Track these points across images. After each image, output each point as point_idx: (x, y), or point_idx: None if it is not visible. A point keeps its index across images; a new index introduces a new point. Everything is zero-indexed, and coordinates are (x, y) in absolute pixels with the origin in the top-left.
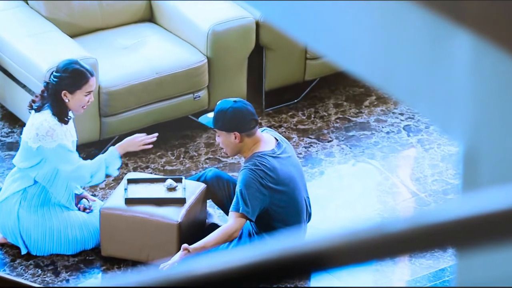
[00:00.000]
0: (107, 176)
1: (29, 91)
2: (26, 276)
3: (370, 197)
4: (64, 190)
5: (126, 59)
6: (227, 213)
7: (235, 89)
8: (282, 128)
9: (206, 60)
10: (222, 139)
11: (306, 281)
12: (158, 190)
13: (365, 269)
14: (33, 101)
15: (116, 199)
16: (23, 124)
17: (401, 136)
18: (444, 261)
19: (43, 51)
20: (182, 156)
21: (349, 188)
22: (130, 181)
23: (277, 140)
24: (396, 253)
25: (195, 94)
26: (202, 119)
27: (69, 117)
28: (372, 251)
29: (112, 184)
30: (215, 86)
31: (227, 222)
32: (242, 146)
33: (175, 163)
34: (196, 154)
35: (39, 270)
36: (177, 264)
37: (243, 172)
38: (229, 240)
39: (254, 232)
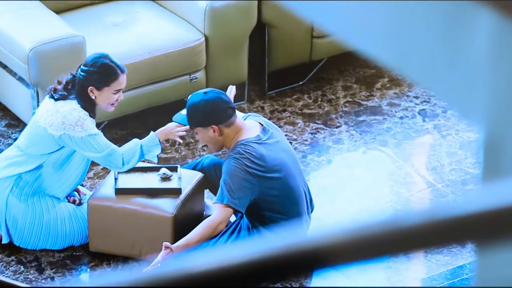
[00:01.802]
0: (146, 161)
1: (10, 72)
2: (7, 274)
3: (382, 188)
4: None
5: (116, 37)
6: None
7: (235, 70)
8: (286, 112)
9: (203, 39)
10: (201, 135)
11: (312, 279)
12: (151, 180)
13: (376, 266)
14: (55, 90)
15: (105, 189)
16: (3, 108)
17: (416, 121)
18: (462, 257)
19: (26, 29)
20: (177, 143)
21: (359, 178)
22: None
23: (262, 125)
24: (410, 248)
25: (191, 76)
26: (177, 118)
27: (95, 114)
28: (384, 247)
29: (101, 173)
30: (213, 67)
31: (212, 214)
32: (223, 139)
33: (169, 151)
34: (193, 141)
35: (22, 266)
36: (160, 265)
37: (227, 162)
38: (215, 234)
39: (252, 227)
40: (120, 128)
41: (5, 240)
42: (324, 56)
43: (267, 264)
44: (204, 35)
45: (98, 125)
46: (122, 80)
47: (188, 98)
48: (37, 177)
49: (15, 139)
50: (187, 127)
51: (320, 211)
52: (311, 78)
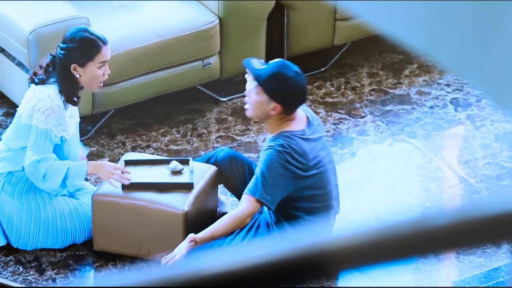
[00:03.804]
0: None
1: (8, 56)
2: (5, 274)
3: (410, 183)
4: (59, 182)
5: (124, 19)
6: None
7: (251, 56)
8: (307, 101)
9: (217, 21)
10: (257, 99)
11: (334, 281)
12: (160, 174)
13: (404, 267)
14: (35, 74)
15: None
16: (0, 95)
17: (447, 111)
18: (497, 259)
19: (25, 10)
20: (189, 133)
21: (385, 172)
22: (128, 162)
23: (307, 117)
24: (440, 249)
25: (204, 61)
26: (247, 63)
27: (79, 97)
28: (412, 247)
29: None
30: (228, 51)
31: (239, 203)
32: (273, 119)
33: (181, 142)
34: (206, 132)
35: (21, 267)
36: (184, 258)
37: (269, 153)
38: (240, 227)
39: (273, 223)
40: (127, 118)
41: (2, 243)
42: (348, 40)
43: (286, 265)
44: (218, 17)
45: (102, 115)
46: (106, 52)
47: (277, 61)
48: None
49: None
50: (126, 174)
51: (343, 207)
52: (334, 64)
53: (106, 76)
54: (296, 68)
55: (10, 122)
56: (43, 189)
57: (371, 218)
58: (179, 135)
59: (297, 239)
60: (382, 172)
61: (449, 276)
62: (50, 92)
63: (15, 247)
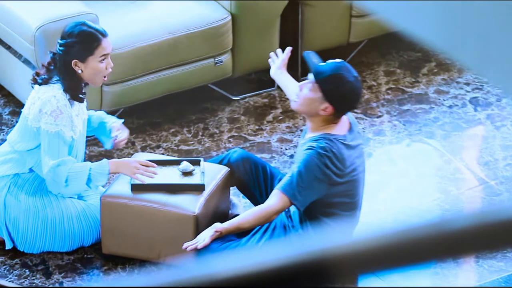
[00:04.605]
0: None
1: (14, 53)
2: (11, 278)
3: (429, 185)
4: (83, 184)
5: (133, 15)
6: (255, 203)
7: (264, 53)
8: None
9: (230, 18)
10: (310, 95)
11: (351, 286)
12: (171, 175)
13: (422, 272)
14: (37, 74)
15: (120, 185)
16: (7, 94)
17: (466, 111)
18: None
19: (32, 6)
20: (200, 133)
21: (403, 173)
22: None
23: (350, 123)
24: (459, 253)
25: (216, 59)
26: (307, 56)
27: (84, 93)
28: (430, 251)
29: None
30: (241, 49)
31: (269, 198)
32: (319, 118)
33: (192, 142)
34: (218, 131)
35: (27, 270)
36: (207, 244)
37: (309, 153)
38: (267, 222)
39: (290, 225)
40: (136, 117)
41: (8, 246)
42: (364, 37)
43: (302, 269)
44: (231, 13)
45: (113, 113)
46: (106, 45)
47: (338, 62)
48: (37, 175)
49: None
50: (152, 169)
51: None
52: (350, 62)
53: (110, 70)
54: (355, 73)
55: (17, 121)
56: (68, 195)
57: (388, 221)
58: (190, 135)
59: (314, 243)
60: (399, 173)
61: (468, 280)
62: (55, 92)
63: (21, 250)
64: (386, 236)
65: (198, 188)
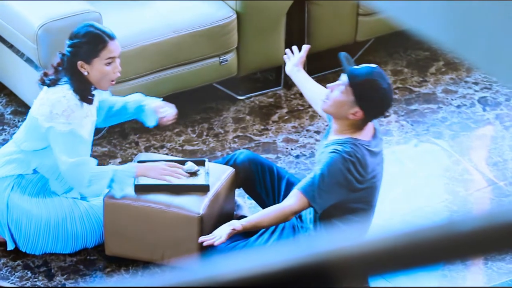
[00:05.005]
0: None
1: (17, 52)
2: (12, 280)
3: (436, 186)
4: (105, 186)
5: (137, 13)
6: (262, 205)
7: (270, 52)
8: None
9: (235, 16)
10: (341, 98)
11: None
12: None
13: (430, 274)
14: (45, 74)
15: None
16: (9, 93)
17: (475, 111)
18: None
19: (35, 4)
20: (205, 133)
21: (410, 174)
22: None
23: (374, 129)
24: (468, 255)
25: (221, 58)
26: (343, 57)
27: (93, 95)
28: (438, 253)
29: None
30: (246, 48)
31: (287, 198)
32: (346, 121)
33: (196, 142)
34: (222, 131)
35: (29, 272)
36: (224, 242)
37: (334, 156)
38: (284, 222)
39: (299, 226)
40: None
41: (10, 247)
42: (371, 36)
43: (309, 271)
44: (236, 11)
45: None
46: (113, 47)
47: (373, 68)
48: (41, 176)
49: None
50: (179, 170)
51: None
52: (356, 61)
53: (118, 74)
54: (389, 80)
55: (19, 121)
56: (89, 195)
57: (395, 222)
58: (194, 135)
59: (322, 244)
60: (407, 174)
61: (477, 283)
62: (64, 92)
63: (23, 251)
64: (393, 238)
65: (203, 189)
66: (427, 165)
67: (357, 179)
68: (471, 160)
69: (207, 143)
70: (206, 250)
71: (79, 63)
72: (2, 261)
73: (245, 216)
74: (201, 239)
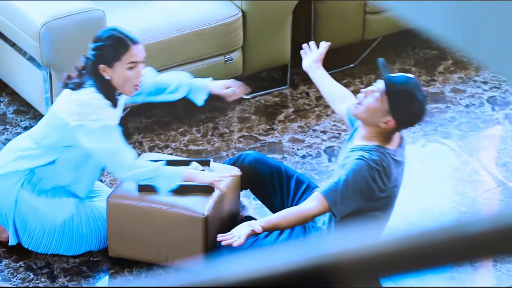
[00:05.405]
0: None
1: (19, 50)
2: (14, 282)
3: (445, 186)
4: (145, 178)
5: (141, 12)
6: (269, 206)
7: (276, 50)
8: None
9: (240, 14)
10: (375, 105)
11: None
12: None
13: (438, 276)
14: (69, 77)
15: (127, 185)
16: (11, 92)
17: (484, 110)
18: None
19: (37, 2)
20: (210, 133)
21: (418, 175)
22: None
23: (401, 139)
24: (476, 257)
25: (226, 56)
26: (382, 63)
27: (117, 99)
28: (446, 255)
29: None
30: (252, 46)
31: (308, 200)
32: (376, 128)
33: (201, 142)
34: (228, 131)
35: (31, 273)
36: (243, 243)
37: (360, 163)
38: (303, 224)
39: (310, 226)
40: (144, 116)
41: (13, 242)
42: (379, 34)
43: (316, 272)
44: (241, 10)
45: None
46: (136, 52)
47: (410, 78)
48: (51, 173)
49: (24, 128)
50: (223, 186)
51: None
52: (364, 60)
53: (140, 80)
54: (424, 92)
55: (21, 120)
56: (125, 179)
57: (403, 223)
58: (199, 135)
59: (330, 246)
60: (415, 174)
61: (486, 285)
62: (92, 94)
63: (26, 247)
64: (401, 239)
65: (208, 190)
66: (435, 165)
67: (380, 188)
68: (480, 160)
69: (212, 143)
70: (212, 251)
71: (101, 66)
72: (4, 262)
73: (250, 217)
74: (220, 237)
